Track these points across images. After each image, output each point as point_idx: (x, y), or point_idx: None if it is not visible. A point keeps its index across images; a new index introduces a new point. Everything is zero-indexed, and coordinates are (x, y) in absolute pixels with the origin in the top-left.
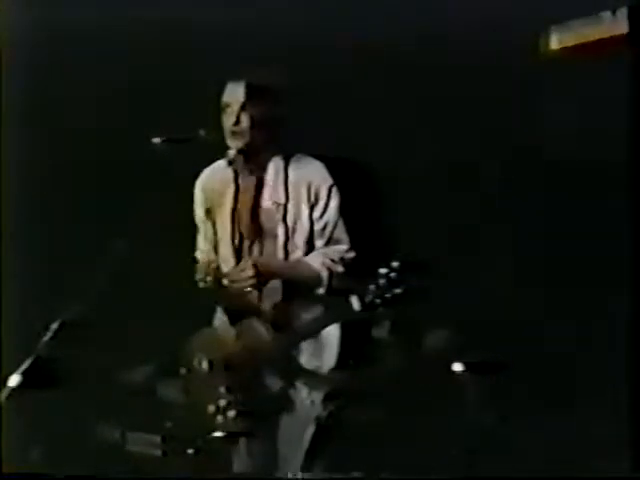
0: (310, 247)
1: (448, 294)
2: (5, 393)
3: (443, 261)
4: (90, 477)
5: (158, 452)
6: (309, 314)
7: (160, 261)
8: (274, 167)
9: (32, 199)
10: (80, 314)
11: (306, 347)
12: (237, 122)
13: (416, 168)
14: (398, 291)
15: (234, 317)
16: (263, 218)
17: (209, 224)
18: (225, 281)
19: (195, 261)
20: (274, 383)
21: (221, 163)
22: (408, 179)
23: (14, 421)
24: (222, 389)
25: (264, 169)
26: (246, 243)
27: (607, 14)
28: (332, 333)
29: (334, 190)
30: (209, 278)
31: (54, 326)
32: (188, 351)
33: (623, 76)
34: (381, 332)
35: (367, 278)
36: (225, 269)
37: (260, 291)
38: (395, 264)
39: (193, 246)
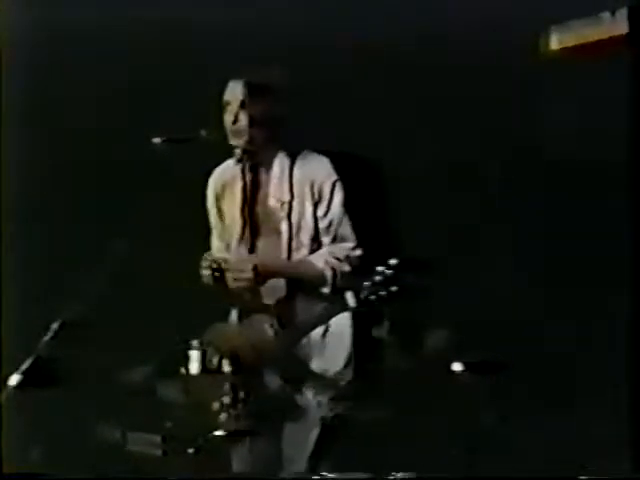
0: (316, 245)
1: (448, 294)
2: (5, 393)
3: (443, 260)
4: (90, 477)
5: (158, 452)
6: (313, 310)
7: (160, 261)
8: (279, 165)
9: (32, 199)
10: (80, 314)
11: (311, 347)
12: (236, 120)
13: (416, 168)
14: (394, 288)
15: (243, 313)
16: (269, 216)
17: (221, 222)
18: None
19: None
20: (279, 381)
21: (230, 162)
22: (408, 179)
23: (14, 421)
24: (227, 386)
25: (270, 167)
26: (255, 240)
27: (607, 14)
28: (337, 334)
29: (338, 185)
30: (207, 272)
31: (54, 326)
32: (201, 344)
33: (623, 76)
34: (381, 332)
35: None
36: None
37: (259, 289)
38: (392, 261)
39: (193, 246)
